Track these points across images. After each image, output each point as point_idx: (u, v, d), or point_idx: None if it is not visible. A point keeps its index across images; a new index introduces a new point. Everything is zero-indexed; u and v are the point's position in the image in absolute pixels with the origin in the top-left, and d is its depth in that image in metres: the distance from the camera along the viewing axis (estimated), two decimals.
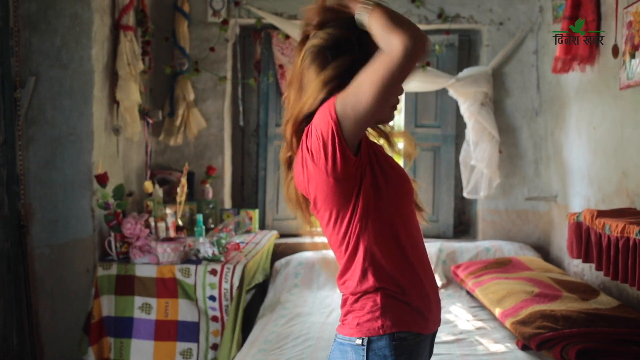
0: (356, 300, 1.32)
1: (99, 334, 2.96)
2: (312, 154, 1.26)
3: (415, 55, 1.13)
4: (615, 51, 2.67)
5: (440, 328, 2.79)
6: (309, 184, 1.30)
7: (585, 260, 2.44)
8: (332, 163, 1.23)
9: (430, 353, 1.40)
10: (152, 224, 3.24)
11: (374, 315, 1.28)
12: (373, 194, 1.28)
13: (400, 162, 1.48)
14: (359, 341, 1.28)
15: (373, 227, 1.28)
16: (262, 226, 4.14)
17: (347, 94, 1.21)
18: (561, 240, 3.55)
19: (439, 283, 3.49)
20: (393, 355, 1.26)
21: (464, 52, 4.15)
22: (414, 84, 3.82)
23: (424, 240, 1.45)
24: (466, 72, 3.81)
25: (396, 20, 1.16)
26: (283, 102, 1.43)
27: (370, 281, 1.29)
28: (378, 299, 1.28)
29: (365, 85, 1.17)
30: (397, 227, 1.31)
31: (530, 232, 3.95)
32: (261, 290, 3.73)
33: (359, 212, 1.27)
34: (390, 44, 1.14)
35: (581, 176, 3.24)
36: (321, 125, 1.23)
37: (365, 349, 1.28)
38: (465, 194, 3.92)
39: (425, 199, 4.19)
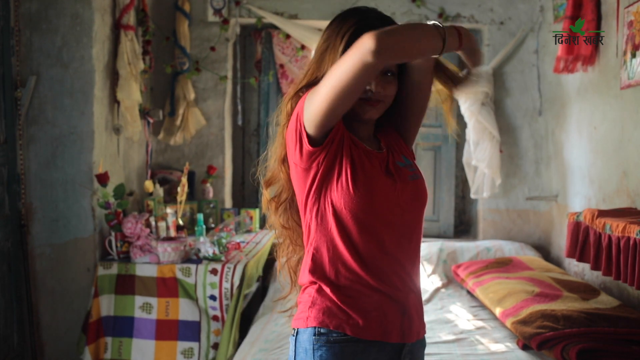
0: (303, 292, 1.36)
1: (96, 334, 2.96)
2: (287, 136, 1.33)
3: (372, 64, 1.14)
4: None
5: (440, 327, 2.81)
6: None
7: (580, 260, 2.44)
8: (294, 146, 1.30)
9: None
10: (153, 223, 3.24)
11: (305, 307, 1.31)
12: (326, 191, 1.29)
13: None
14: (293, 332, 1.33)
15: (322, 221, 1.30)
16: (263, 226, 4.14)
17: (315, 89, 1.25)
18: (562, 240, 3.55)
19: (439, 283, 3.49)
20: (311, 349, 1.28)
21: None
22: None
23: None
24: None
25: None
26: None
27: (308, 274, 1.32)
28: (313, 292, 1.31)
29: (322, 84, 1.23)
30: (358, 235, 1.28)
31: (531, 231, 3.95)
32: (261, 288, 3.73)
33: (310, 202, 1.31)
34: (356, 47, 1.16)
35: (582, 176, 3.23)
36: (296, 109, 1.30)
37: (295, 340, 1.32)
38: (472, 195, 3.92)
39: None
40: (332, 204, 1.29)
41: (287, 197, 1.42)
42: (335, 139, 1.29)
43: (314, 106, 1.23)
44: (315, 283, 1.31)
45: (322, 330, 1.28)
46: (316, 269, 1.31)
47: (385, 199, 1.31)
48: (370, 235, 1.29)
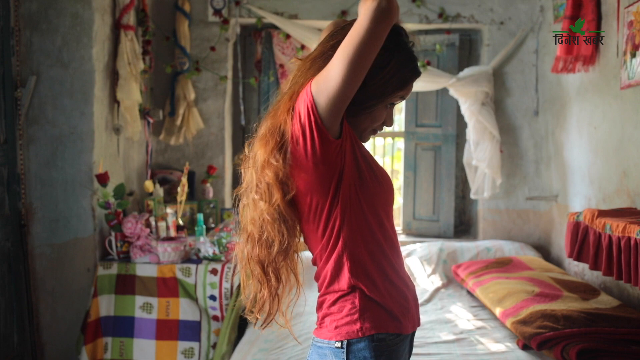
0: (333, 303, 1.31)
1: (94, 334, 2.96)
2: (293, 136, 1.24)
3: (388, 11, 1.14)
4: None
5: (440, 327, 2.82)
6: (291, 172, 1.27)
7: (578, 259, 2.44)
8: (310, 144, 1.21)
9: (410, 352, 1.42)
10: (153, 223, 3.24)
11: (352, 318, 1.28)
12: (355, 185, 1.26)
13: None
14: (338, 344, 1.28)
15: (355, 221, 1.27)
16: None
17: (322, 71, 1.20)
18: (562, 240, 3.55)
19: (439, 283, 3.49)
20: (373, 356, 1.26)
21: (465, 52, 4.15)
22: (415, 83, 3.81)
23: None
24: (467, 71, 3.81)
25: None
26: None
27: (346, 278, 1.28)
28: (356, 301, 1.28)
29: (335, 59, 1.17)
30: (378, 226, 1.31)
31: (531, 231, 3.95)
32: None
33: (340, 203, 1.26)
34: (363, 8, 1.15)
35: (582, 176, 3.24)
36: (300, 104, 1.23)
37: (345, 352, 1.27)
38: (472, 195, 3.92)
39: (425, 199, 4.20)
40: (365, 197, 1.28)
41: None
42: (349, 128, 1.27)
43: (331, 89, 1.17)
44: (354, 289, 1.28)
45: (380, 336, 1.27)
46: (357, 269, 1.28)
47: (392, 197, 1.38)
48: (390, 229, 1.34)
